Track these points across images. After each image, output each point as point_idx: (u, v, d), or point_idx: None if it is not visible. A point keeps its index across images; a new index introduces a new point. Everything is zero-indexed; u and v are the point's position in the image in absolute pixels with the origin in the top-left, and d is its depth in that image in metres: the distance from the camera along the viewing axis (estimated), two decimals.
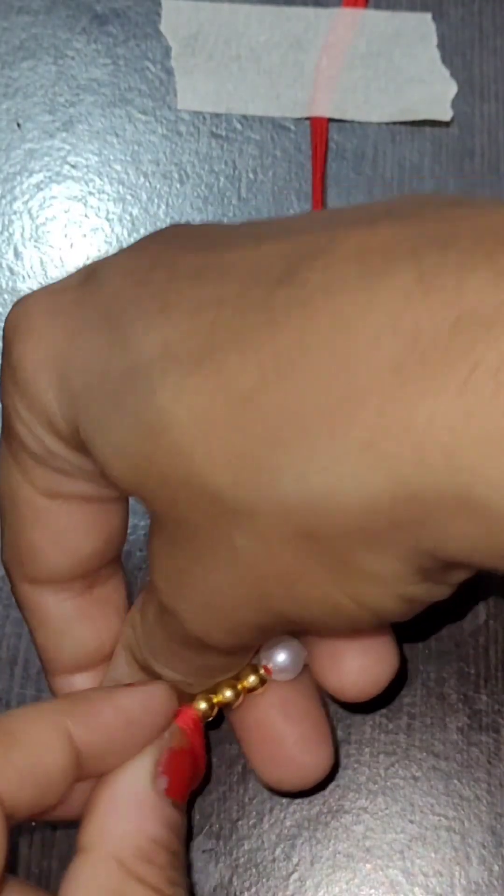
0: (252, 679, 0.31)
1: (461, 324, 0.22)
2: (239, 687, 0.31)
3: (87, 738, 0.28)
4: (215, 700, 0.30)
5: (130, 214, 0.41)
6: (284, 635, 0.31)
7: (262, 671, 0.31)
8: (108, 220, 0.41)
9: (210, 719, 0.30)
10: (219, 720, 0.32)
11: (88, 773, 0.29)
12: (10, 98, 0.41)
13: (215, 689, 0.31)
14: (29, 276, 0.40)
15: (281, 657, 0.31)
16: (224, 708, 0.31)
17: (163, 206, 0.41)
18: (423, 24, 0.42)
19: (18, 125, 0.41)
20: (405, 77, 0.41)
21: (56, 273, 0.40)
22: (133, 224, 0.40)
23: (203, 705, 0.30)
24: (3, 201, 0.41)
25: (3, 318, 0.38)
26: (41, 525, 0.29)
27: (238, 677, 0.31)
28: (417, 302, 0.22)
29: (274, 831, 0.33)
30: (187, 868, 0.32)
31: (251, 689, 0.31)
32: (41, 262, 0.40)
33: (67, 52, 0.42)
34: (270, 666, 0.31)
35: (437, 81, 0.41)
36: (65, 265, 0.40)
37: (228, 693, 0.31)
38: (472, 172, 0.40)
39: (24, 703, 0.36)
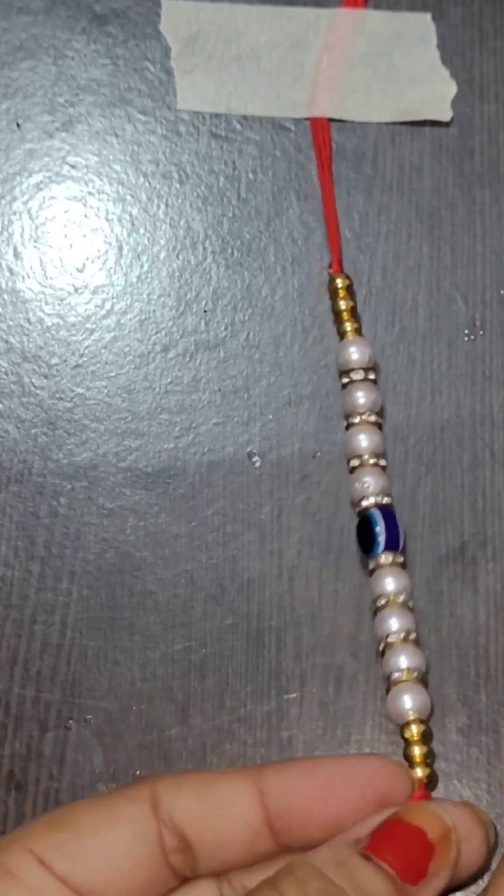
0: None
1: None
2: None
3: (280, 800, 0.28)
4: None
5: (130, 214, 0.41)
6: None
7: None
8: (107, 220, 0.41)
9: None
10: None
11: (288, 839, 0.29)
12: (10, 98, 0.41)
13: None
14: (29, 276, 0.40)
15: None
16: None
17: (162, 206, 0.41)
18: (423, 24, 0.42)
19: (18, 125, 0.41)
20: (405, 77, 0.41)
21: (56, 273, 0.40)
22: (133, 224, 0.40)
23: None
24: (3, 201, 0.41)
25: (3, 319, 0.38)
26: None
27: None
28: None
29: None
30: None
31: None
32: (41, 263, 0.40)
33: (67, 52, 0.42)
34: None
35: (437, 81, 0.41)
36: (64, 265, 0.40)
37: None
38: (472, 172, 0.41)
39: (24, 704, 0.36)
